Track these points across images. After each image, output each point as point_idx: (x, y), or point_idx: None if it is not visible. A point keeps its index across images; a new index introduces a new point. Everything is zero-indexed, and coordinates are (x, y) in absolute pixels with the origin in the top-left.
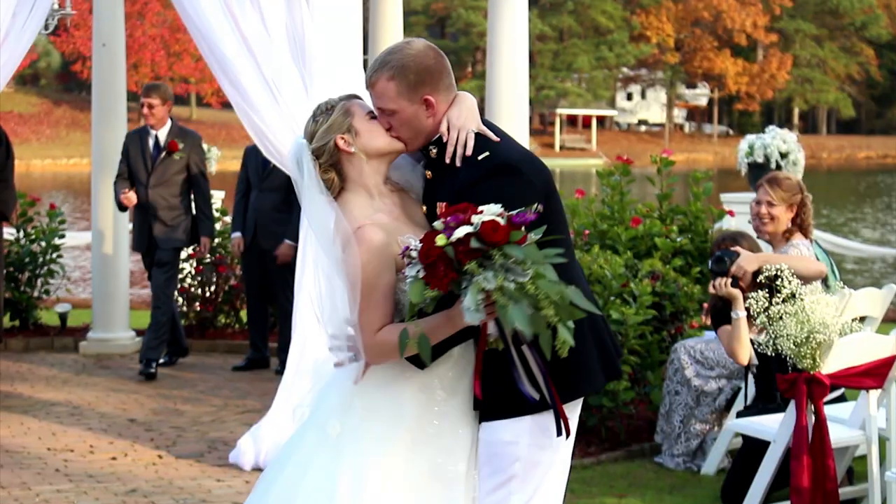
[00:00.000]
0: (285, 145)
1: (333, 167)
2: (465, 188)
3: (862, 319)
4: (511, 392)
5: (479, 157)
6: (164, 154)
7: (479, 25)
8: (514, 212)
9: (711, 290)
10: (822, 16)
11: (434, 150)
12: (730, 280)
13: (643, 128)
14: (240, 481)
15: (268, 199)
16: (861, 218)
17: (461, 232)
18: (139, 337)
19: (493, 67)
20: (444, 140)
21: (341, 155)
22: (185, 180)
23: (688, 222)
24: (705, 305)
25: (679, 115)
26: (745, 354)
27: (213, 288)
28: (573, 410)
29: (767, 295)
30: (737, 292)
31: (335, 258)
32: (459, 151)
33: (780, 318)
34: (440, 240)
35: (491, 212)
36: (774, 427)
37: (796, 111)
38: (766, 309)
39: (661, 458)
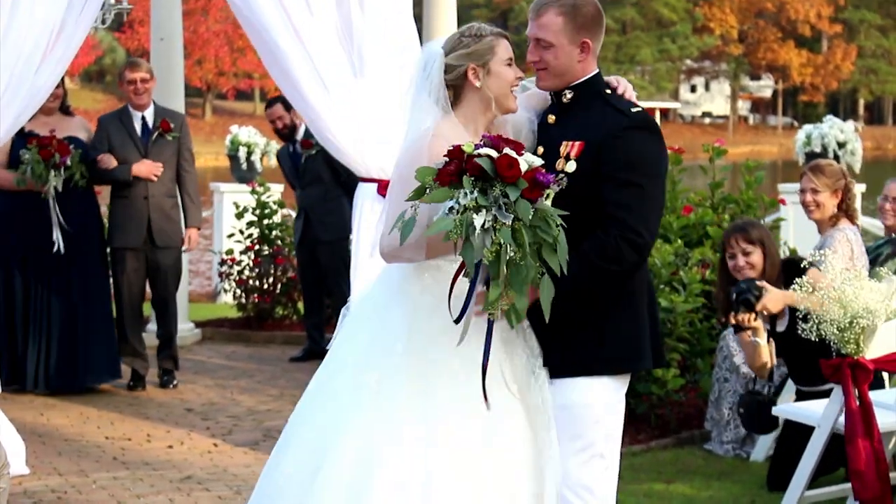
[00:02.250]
0: (337, 135)
1: (453, 87)
2: (612, 133)
3: None
4: (589, 352)
5: (632, 110)
6: (155, 135)
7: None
8: (549, 174)
9: (733, 321)
10: (887, 5)
11: (570, 95)
12: (754, 315)
13: (707, 120)
14: None
15: (312, 193)
16: None
17: (485, 150)
18: (198, 329)
19: None
20: (614, 86)
21: (466, 82)
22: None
23: (739, 210)
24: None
25: (743, 106)
26: (767, 371)
27: (270, 280)
28: (621, 386)
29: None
30: (759, 324)
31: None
32: (630, 94)
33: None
34: (468, 146)
35: (530, 160)
36: (818, 412)
37: (861, 102)
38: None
39: (711, 445)
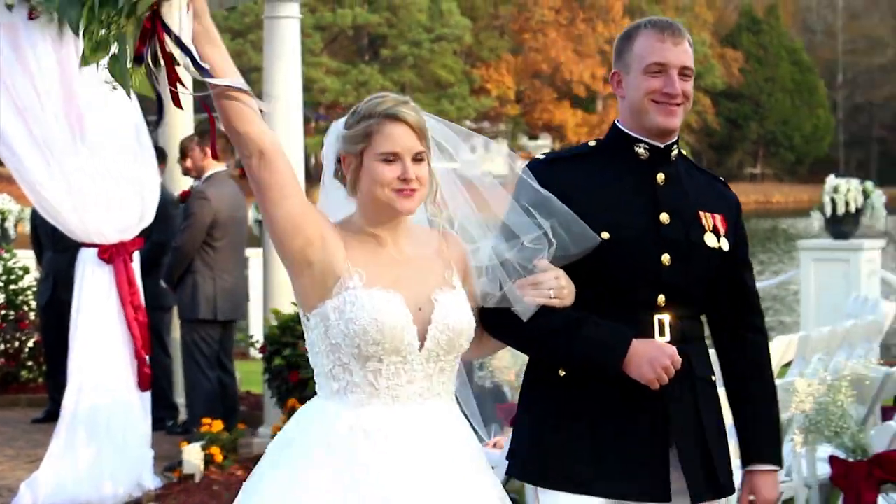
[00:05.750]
0: (55, 200)
1: (340, 173)
2: (738, 209)
3: None
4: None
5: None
6: None
7: (319, 82)
8: None
9: None
10: None
11: (676, 150)
12: None
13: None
14: None
15: (63, 257)
16: None
17: None
18: None
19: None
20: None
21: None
22: None
23: None
24: None
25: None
26: None
27: (16, 344)
28: None
29: None
30: None
31: None
32: None
33: None
34: None
35: None
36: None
37: None
38: None
39: None
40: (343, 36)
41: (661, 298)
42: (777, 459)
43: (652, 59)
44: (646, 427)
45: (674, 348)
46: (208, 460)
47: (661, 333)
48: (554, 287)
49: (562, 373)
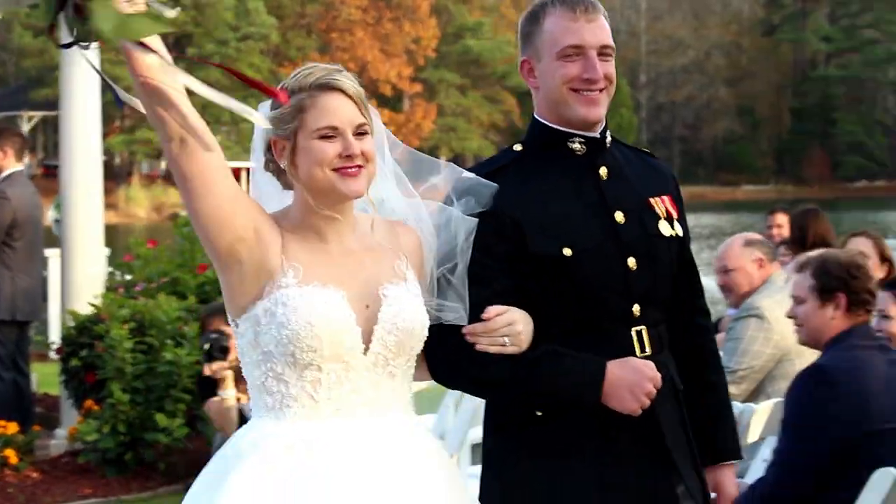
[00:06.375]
0: None
1: (272, 163)
2: (676, 183)
3: None
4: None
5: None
6: None
7: (123, 80)
8: None
9: (208, 372)
10: (465, 65)
11: (610, 134)
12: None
13: None
14: None
15: None
16: None
17: None
18: None
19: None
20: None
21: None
22: None
23: None
24: None
25: None
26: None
27: None
28: None
29: None
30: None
31: None
32: None
33: None
34: None
35: None
36: None
37: (443, 159)
38: None
39: None
40: None
41: (636, 308)
42: (738, 453)
43: (565, 42)
44: (645, 458)
45: (652, 366)
46: (3, 462)
47: (642, 348)
48: (509, 333)
49: (538, 413)
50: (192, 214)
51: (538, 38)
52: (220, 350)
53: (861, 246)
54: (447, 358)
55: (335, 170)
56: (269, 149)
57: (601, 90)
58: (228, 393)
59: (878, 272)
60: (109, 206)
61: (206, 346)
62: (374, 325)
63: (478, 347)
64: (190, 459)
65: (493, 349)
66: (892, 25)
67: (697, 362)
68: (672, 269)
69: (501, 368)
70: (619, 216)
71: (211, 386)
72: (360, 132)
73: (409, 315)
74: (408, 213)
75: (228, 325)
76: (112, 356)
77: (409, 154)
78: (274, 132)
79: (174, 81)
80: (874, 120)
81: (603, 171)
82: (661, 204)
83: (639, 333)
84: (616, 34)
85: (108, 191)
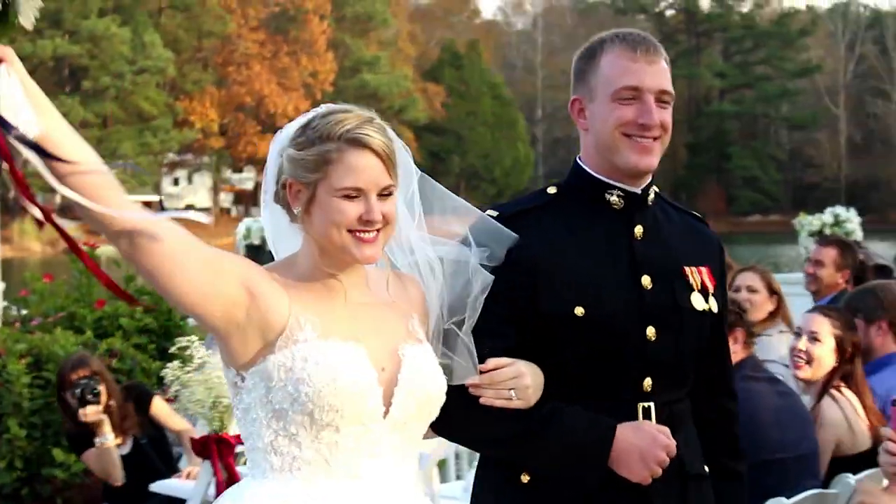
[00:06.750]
0: None
1: (283, 202)
2: (721, 255)
3: None
4: None
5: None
6: None
7: None
8: None
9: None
10: (362, 100)
11: (652, 192)
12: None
13: (191, 212)
14: None
15: None
16: None
17: None
18: None
19: None
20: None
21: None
22: None
23: (153, 301)
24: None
25: (226, 199)
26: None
27: None
28: None
29: (181, 364)
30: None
31: None
32: None
33: (189, 384)
34: None
35: None
36: (190, 486)
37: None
38: (178, 378)
39: None
40: (43, 67)
41: (648, 382)
42: None
43: (622, 83)
44: None
45: (667, 431)
46: None
47: None
48: (516, 387)
49: (525, 479)
50: (174, 301)
51: (592, 77)
52: (92, 394)
53: (749, 280)
54: (450, 412)
55: (351, 231)
56: (283, 185)
57: (655, 138)
58: (108, 437)
59: (767, 305)
60: (4, 239)
61: (79, 392)
62: (395, 388)
63: (482, 401)
64: (87, 495)
65: (498, 403)
66: (785, 62)
67: (722, 450)
68: (699, 346)
69: (505, 426)
70: (647, 281)
71: (83, 437)
72: (384, 193)
73: (428, 378)
74: (420, 247)
75: (95, 371)
76: (9, 391)
77: (432, 189)
78: (292, 174)
79: (66, 191)
80: (768, 155)
81: (638, 229)
82: (696, 274)
83: (646, 409)
84: (512, 69)
85: (2, 224)
